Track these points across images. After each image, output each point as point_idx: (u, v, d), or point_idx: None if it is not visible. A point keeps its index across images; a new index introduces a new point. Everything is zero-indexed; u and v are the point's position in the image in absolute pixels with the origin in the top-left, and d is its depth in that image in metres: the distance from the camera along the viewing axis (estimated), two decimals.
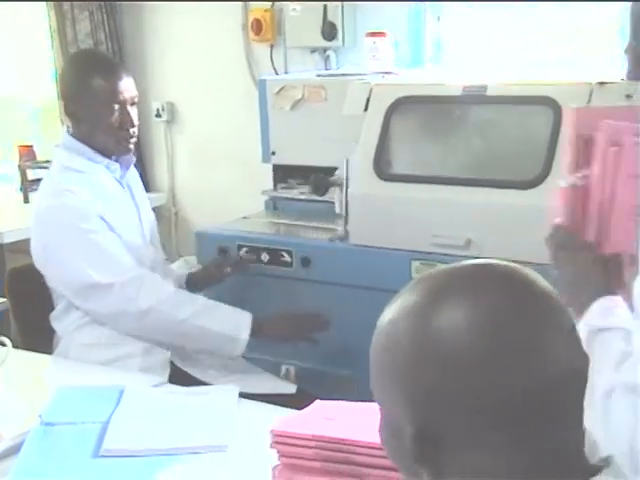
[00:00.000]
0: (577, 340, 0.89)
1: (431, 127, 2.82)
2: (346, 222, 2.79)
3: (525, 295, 0.88)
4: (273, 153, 3.23)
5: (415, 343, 0.87)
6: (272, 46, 3.68)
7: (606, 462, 0.90)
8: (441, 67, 3.34)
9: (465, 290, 0.88)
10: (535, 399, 0.84)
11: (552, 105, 2.46)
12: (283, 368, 2.89)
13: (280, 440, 1.45)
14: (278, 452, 1.46)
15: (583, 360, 0.89)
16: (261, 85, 3.25)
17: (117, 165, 2.40)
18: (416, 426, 0.87)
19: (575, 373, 0.88)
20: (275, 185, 3.32)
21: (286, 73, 3.63)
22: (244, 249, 2.93)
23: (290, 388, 2.38)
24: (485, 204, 2.52)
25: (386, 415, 0.93)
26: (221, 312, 2.35)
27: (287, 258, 2.88)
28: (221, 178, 3.94)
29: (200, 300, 2.39)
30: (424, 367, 0.86)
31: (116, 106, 2.30)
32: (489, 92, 2.62)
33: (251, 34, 3.69)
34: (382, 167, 2.73)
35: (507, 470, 0.86)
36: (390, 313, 0.91)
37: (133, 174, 2.52)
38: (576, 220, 1.49)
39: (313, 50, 3.57)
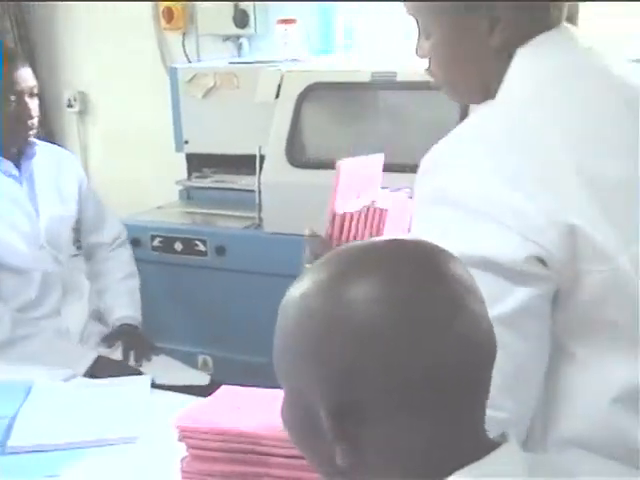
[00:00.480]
0: (487, 318, 0.89)
1: (342, 113, 2.82)
2: (260, 210, 2.79)
3: (436, 271, 0.88)
4: (186, 142, 3.20)
5: (327, 317, 0.85)
6: (184, 34, 3.64)
7: (504, 438, 0.91)
8: (352, 54, 3.35)
9: (377, 264, 0.87)
10: (445, 376, 0.84)
11: None
12: (200, 358, 2.88)
13: (186, 434, 1.44)
14: (186, 444, 1.46)
15: (493, 337, 0.89)
16: (172, 73, 3.21)
17: (10, 163, 2.31)
18: (332, 403, 0.85)
19: (485, 350, 0.88)
20: (189, 174, 3.29)
21: (199, 61, 3.60)
22: (158, 239, 2.91)
23: (203, 379, 2.36)
24: (397, 189, 2.53)
25: (294, 397, 0.90)
26: (58, 358, 2.18)
27: (201, 247, 2.87)
28: (136, 168, 3.88)
29: (35, 341, 2.27)
30: (336, 341, 0.84)
31: (12, 97, 2.23)
32: (399, 78, 2.63)
33: (162, 22, 3.64)
34: (294, 154, 2.73)
35: (409, 447, 0.85)
36: (301, 288, 0.89)
37: (46, 166, 2.41)
38: (337, 241, 1.59)
39: (226, 38, 3.54)
